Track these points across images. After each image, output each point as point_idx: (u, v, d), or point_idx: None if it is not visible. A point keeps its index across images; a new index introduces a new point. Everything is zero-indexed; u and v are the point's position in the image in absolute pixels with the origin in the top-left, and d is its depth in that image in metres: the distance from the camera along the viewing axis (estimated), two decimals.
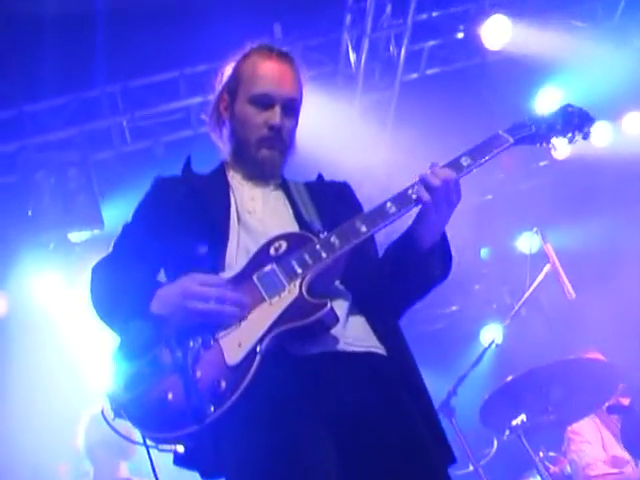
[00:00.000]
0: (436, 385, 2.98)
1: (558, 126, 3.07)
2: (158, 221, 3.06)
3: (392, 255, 2.96)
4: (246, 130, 3.12)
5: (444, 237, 2.93)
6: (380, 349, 2.86)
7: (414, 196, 2.82)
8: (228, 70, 3.23)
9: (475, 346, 9.24)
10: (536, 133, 3.06)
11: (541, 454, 6.58)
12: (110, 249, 3.15)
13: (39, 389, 7.99)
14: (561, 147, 3.09)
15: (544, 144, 3.09)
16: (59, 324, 8.20)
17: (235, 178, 3.18)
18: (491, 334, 8.24)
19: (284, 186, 3.21)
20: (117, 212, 7.66)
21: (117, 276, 2.98)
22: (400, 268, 2.91)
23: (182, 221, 3.02)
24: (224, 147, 3.25)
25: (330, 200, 3.19)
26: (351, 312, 2.88)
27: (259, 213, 3.06)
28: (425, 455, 2.72)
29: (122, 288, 2.91)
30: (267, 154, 3.11)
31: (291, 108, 3.15)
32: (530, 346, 8.42)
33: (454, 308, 11.01)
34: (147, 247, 3.05)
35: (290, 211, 3.09)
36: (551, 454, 7.17)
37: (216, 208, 3.04)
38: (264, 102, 3.09)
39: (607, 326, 8.47)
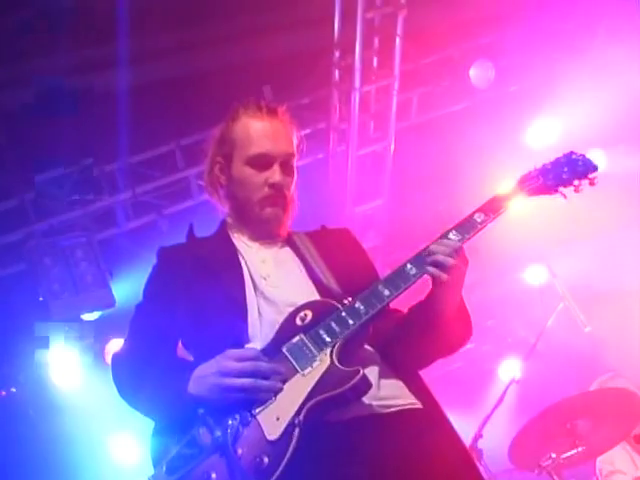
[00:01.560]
0: (460, 426, 3.00)
1: (564, 175, 3.07)
2: (170, 295, 3.06)
3: (414, 321, 2.96)
4: (247, 191, 3.12)
5: (462, 301, 2.97)
6: (417, 404, 2.89)
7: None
8: (219, 134, 3.24)
9: (494, 383, 9.24)
10: (544, 184, 3.07)
11: None
12: (127, 334, 3.16)
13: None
14: (569, 195, 3.09)
15: (552, 194, 3.09)
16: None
17: (241, 239, 3.18)
18: (509, 369, 8.28)
19: (290, 241, 3.21)
20: (128, 287, 7.71)
21: (144, 363, 2.97)
22: (423, 334, 2.93)
23: (195, 292, 3.01)
24: (224, 208, 3.27)
25: (336, 251, 3.20)
26: (383, 373, 2.90)
27: (274, 278, 3.05)
28: None
29: (153, 375, 2.91)
30: (271, 212, 3.12)
31: (288, 164, 3.16)
32: (550, 381, 8.40)
33: (470, 346, 10.97)
34: (163, 325, 3.05)
35: (302, 269, 3.10)
36: None
37: (228, 275, 3.04)
38: (262, 162, 3.11)
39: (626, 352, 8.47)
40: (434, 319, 2.90)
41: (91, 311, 7.75)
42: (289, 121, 3.24)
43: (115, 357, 3.12)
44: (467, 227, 2.91)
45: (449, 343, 3.02)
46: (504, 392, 6.40)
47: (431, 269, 2.81)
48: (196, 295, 3.01)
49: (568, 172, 3.07)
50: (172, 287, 3.08)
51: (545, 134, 8.41)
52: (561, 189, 3.08)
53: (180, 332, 3.07)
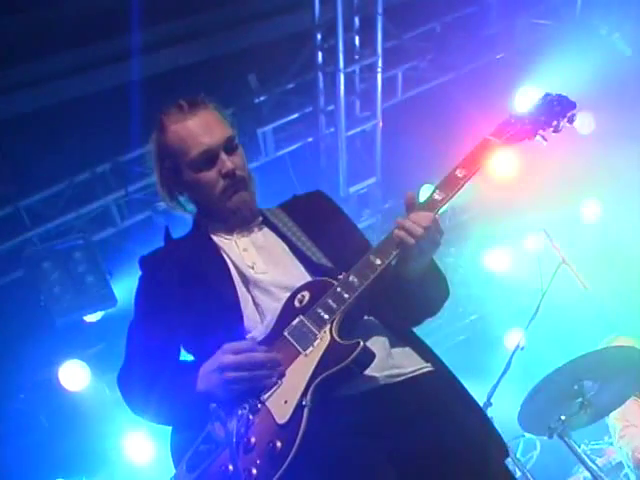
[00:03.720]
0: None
1: (542, 117, 3.06)
2: (160, 305, 3.04)
3: (390, 285, 2.93)
4: (206, 190, 3.09)
5: (433, 262, 2.95)
6: (428, 366, 2.91)
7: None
8: (155, 149, 3.17)
9: (500, 352, 9.28)
10: (522, 129, 3.05)
11: (584, 447, 6.60)
12: (125, 352, 3.12)
13: None
14: (550, 138, 3.06)
15: (532, 138, 3.08)
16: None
17: (218, 235, 3.16)
18: (514, 338, 8.30)
19: (266, 222, 3.19)
20: (128, 285, 7.73)
21: (149, 377, 2.96)
22: (400, 297, 2.92)
23: (185, 297, 3.00)
24: (191, 212, 3.24)
25: (314, 219, 3.19)
26: (390, 341, 2.91)
27: (260, 265, 3.04)
28: (488, 456, 2.80)
29: (161, 385, 2.92)
30: (238, 199, 3.10)
31: (231, 145, 3.12)
32: (555, 345, 8.45)
33: (473, 317, 11.05)
34: (160, 337, 3.03)
35: (286, 248, 3.09)
36: (594, 446, 7.20)
37: (215, 273, 3.03)
38: (207, 159, 3.07)
39: (626, 309, 8.52)
40: (402, 282, 2.88)
41: (94, 312, 7.80)
42: (214, 105, 3.17)
43: (120, 376, 3.11)
44: (450, 184, 2.91)
45: (425, 303, 3.01)
46: (510, 359, 6.42)
47: (398, 232, 2.80)
48: (186, 300, 3.01)
49: (545, 113, 3.07)
50: (161, 296, 3.06)
51: (532, 101, 8.39)
52: (540, 132, 3.07)
53: (178, 339, 3.07)
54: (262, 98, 8.03)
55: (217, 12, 8.10)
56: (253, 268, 3.03)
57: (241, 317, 2.92)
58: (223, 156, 3.08)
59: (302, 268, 3.02)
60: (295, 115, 8.24)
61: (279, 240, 3.12)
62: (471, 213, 9.58)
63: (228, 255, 3.09)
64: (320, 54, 7.83)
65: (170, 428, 2.94)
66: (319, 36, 7.71)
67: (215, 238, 3.15)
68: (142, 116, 7.51)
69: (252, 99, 7.90)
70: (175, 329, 3.03)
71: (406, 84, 8.48)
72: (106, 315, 7.93)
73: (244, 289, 2.99)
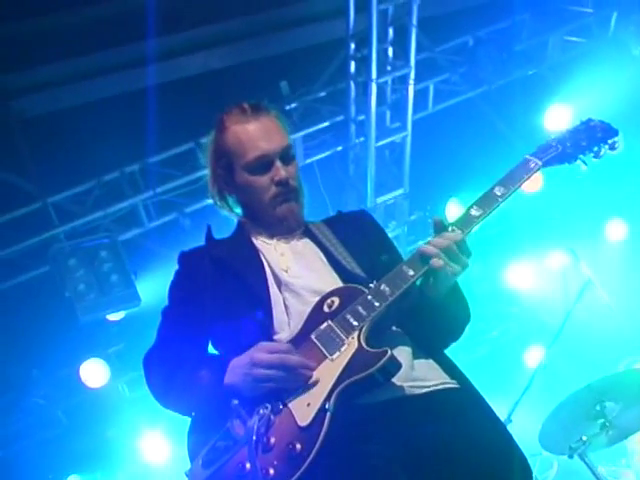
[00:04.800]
0: None
1: (583, 142, 3.07)
2: (195, 297, 3.09)
3: (416, 302, 2.93)
4: (257, 195, 3.13)
5: (456, 284, 2.94)
6: (453, 383, 2.89)
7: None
8: (212, 148, 3.23)
9: (520, 369, 9.23)
10: (563, 152, 3.07)
11: (601, 469, 6.54)
12: (156, 337, 3.16)
13: None
14: (590, 163, 3.08)
15: (572, 162, 3.10)
16: None
17: (259, 239, 3.19)
18: (535, 355, 8.26)
19: (307, 232, 3.21)
20: (152, 286, 7.78)
21: (176, 363, 2.99)
22: (425, 316, 2.91)
23: (219, 292, 3.03)
24: (235, 215, 3.28)
25: (355, 235, 3.20)
26: (414, 353, 2.89)
27: (294, 269, 3.06)
28: (512, 478, 2.79)
29: (186, 373, 2.93)
30: (286, 209, 3.13)
31: (287, 155, 3.15)
32: (576, 364, 8.40)
33: (494, 333, 11.00)
34: (191, 326, 3.07)
35: (323, 257, 3.11)
36: (611, 467, 7.13)
37: (250, 273, 3.05)
38: (262, 164, 3.10)
39: None
40: (425, 299, 2.88)
41: (117, 311, 7.83)
42: (276, 113, 3.23)
43: (147, 359, 3.13)
44: (488, 202, 2.91)
45: (447, 324, 2.99)
46: (532, 377, 6.38)
47: (428, 249, 2.80)
48: (220, 295, 3.04)
49: (587, 138, 3.07)
50: (196, 289, 3.10)
51: (561, 118, 8.37)
52: (580, 157, 3.07)
53: (208, 332, 3.10)
54: (293, 105, 8.06)
55: (252, 17, 8.15)
56: (287, 271, 3.05)
57: (271, 316, 2.93)
58: (278, 164, 3.11)
59: (336, 276, 3.03)
60: (326, 123, 8.26)
61: (317, 250, 3.14)
62: (495, 228, 9.56)
63: (265, 257, 3.11)
64: (353, 64, 7.85)
65: (188, 424, 2.94)
66: (352, 45, 7.72)
67: (256, 241, 3.18)
68: (172, 119, 7.59)
69: (283, 106, 7.91)
70: (206, 322, 3.05)
71: (437, 97, 8.48)
72: (128, 314, 7.97)
73: (277, 290, 3.01)
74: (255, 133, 3.12)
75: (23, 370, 8.46)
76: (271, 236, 3.18)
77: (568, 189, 8.77)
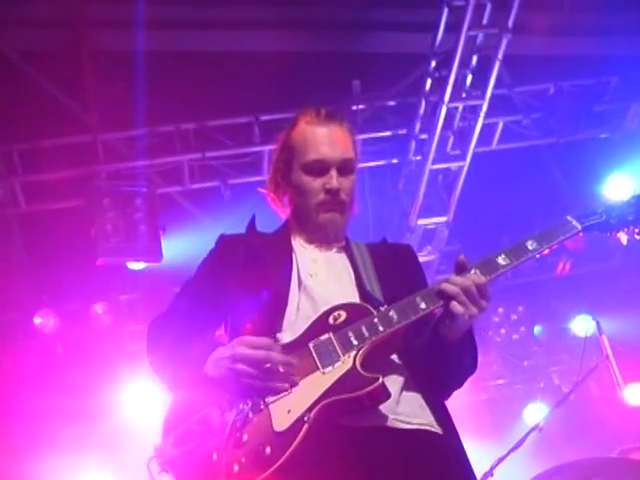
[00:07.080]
0: (471, 458, 2.91)
1: (630, 217, 3.02)
2: (220, 281, 3.11)
3: (426, 342, 2.90)
4: (305, 197, 3.15)
5: (471, 330, 2.90)
6: (436, 428, 2.83)
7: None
8: (281, 140, 3.28)
9: (516, 424, 9.11)
10: (606, 222, 3.01)
11: None
12: (170, 304, 3.18)
13: None
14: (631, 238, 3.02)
15: (613, 234, 3.04)
16: None
17: (298, 241, 3.21)
18: (534, 414, 8.15)
19: (347, 249, 3.22)
20: (177, 246, 7.75)
21: (178, 335, 2.99)
22: (433, 357, 2.88)
23: (244, 282, 3.05)
24: (286, 213, 3.29)
25: (391, 265, 3.19)
26: (406, 387, 2.85)
27: (321, 277, 3.07)
28: None
29: (182, 349, 2.92)
30: (328, 218, 3.14)
31: (346, 168, 3.17)
32: (574, 434, 8.28)
33: (500, 382, 10.88)
34: (208, 304, 3.09)
35: (352, 276, 3.10)
36: None
37: (278, 270, 3.07)
38: (319, 168, 3.13)
39: None
40: (437, 337, 2.84)
41: (137, 261, 7.80)
42: (348, 126, 3.26)
43: (153, 323, 3.14)
44: (517, 253, 2.88)
45: (452, 367, 2.93)
46: (525, 436, 6.26)
47: (449, 287, 2.76)
48: (244, 283, 3.04)
49: (635, 213, 3.01)
50: (223, 273, 3.12)
51: (622, 188, 8.22)
52: (624, 230, 3.01)
53: (220, 315, 3.11)
54: (360, 106, 7.99)
55: (340, 9, 8.10)
56: (312, 277, 3.06)
57: (282, 314, 2.94)
58: (333, 172, 3.13)
59: (356, 295, 3.02)
60: (387, 133, 8.20)
61: (349, 267, 3.15)
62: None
63: (297, 259, 3.13)
64: (429, 81, 7.78)
65: (170, 400, 2.92)
66: (433, 63, 7.66)
67: (294, 242, 3.22)
68: (237, 90, 7.56)
69: (350, 105, 7.85)
70: (221, 305, 3.08)
71: (504, 135, 8.38)
72: (149, 268, 7.94)
73: (296, 291, 3.02)
74: (321, 137, 3.16)
75: (33, 293, 8.48)
76: (310, 241, 3.20)
77: None
